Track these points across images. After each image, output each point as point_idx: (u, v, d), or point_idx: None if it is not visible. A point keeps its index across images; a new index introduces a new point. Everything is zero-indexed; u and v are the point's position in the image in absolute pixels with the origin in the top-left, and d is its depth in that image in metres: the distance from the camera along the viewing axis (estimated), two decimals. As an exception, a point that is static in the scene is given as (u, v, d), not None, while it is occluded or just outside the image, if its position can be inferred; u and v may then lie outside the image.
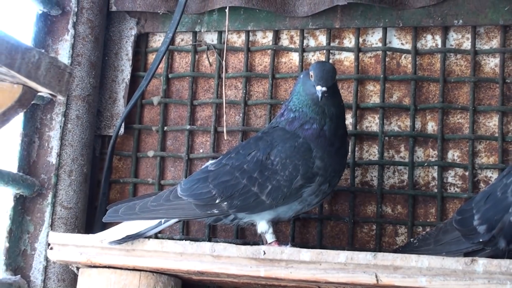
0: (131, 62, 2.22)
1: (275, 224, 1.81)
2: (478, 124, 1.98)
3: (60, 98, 1.75)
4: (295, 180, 1.71)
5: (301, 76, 1.78)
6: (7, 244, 1.97)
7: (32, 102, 1.80)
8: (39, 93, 1.52)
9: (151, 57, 2.24)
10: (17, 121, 2.06)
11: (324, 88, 1.69)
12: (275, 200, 1.72)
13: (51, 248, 1.79)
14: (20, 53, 1.42)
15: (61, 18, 2.11)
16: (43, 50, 1.68)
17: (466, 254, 1.65)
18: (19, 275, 1.96)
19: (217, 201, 1.73)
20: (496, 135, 1.95)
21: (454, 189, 1.97)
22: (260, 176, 1.72)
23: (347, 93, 2.05)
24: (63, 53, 2.08)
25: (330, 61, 2.09)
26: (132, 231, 1.74)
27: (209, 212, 1.74)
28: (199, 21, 2.20)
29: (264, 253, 1.64)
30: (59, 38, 2.10)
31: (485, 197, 1.68)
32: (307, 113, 1.74)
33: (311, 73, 1.72)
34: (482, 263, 1.52)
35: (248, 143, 1.81)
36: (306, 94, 1.74)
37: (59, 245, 1.78)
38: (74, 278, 1.96)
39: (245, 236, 2.07)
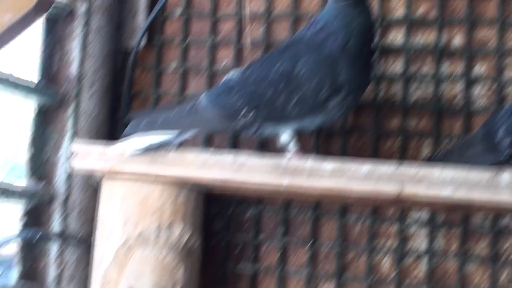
0: (152, -27, 2.18)
1: (298, 135, 1.80)
2: (506, 38, 1.94)
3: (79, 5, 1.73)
4: (321, 92, 1.69)
5: None
6: (31, 153, 1.99)
7: (51, 10, 1.80)
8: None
9: (175, -32, 2.19)
10: (37, 33, 2.05)
11: None
12: (300, 111, 1.71)
13: (74, 157, 1.79)
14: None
15: None
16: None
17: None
18: (43, 183, 1.99)
19: (243, 112, 1.72)
20: (524, 48, 1.91)
21: (480, 103, 1.94)
22: (286, 87, 1.70)
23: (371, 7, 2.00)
24: (84, -35, 2.04)
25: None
26: (155, 140, 1.74)
27: (234, 123, 1.74)
28: None
29: (287, 162, 1.64)
30: (79, -50, 2.06)
31: (510, 111, 1.66)
32: (333, 25, 1.71)
33: None
34: (507, 175, 1.51)
35: (271, 56, 1.78)
36: (334, 2, 1.72)
37: (82, 153, 1.79)
38: (96, 189, 1.97)
39: (268, 149, 2.06)
